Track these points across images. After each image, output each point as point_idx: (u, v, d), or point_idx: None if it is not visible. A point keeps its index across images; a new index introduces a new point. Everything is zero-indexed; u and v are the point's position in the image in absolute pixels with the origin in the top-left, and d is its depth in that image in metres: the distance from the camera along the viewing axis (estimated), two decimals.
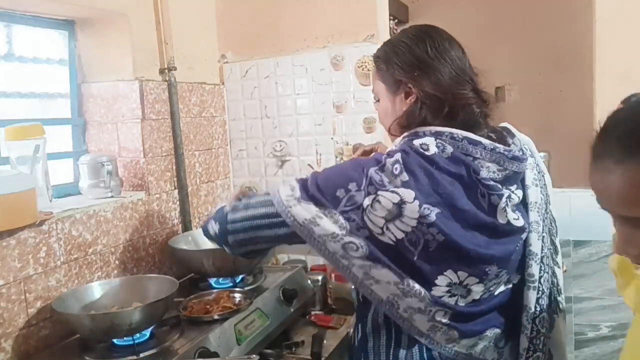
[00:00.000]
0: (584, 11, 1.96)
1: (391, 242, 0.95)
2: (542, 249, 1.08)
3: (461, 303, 1.00)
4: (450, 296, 0.99)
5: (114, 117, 1.82)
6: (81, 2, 1.63)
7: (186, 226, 1.98)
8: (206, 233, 1.18)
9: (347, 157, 2.06)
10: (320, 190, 0.99)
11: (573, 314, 1.91)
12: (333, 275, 1.87)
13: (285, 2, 2.11)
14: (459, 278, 0.98)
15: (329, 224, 0.97)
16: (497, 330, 1.05)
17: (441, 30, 1.11)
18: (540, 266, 1.07)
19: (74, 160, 1.81)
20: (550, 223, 1.15)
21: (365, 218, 0.95)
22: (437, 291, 0.98)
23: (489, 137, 1.05)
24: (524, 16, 3.46)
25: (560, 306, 1.14)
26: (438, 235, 0.94)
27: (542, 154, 2.02)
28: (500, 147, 1.02)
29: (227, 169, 2.28)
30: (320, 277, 1.86)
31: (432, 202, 0.94)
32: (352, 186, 0.97)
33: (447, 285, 0.98)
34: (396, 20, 3.52)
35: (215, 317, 1.47)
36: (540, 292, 1.07)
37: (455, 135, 1.00)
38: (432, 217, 0.94)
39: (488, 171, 1.00)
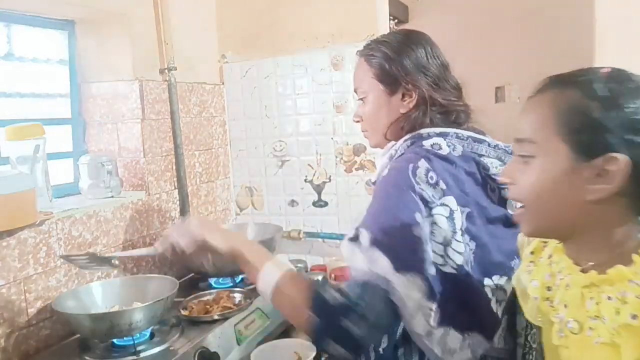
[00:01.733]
0: (584, 11, 1.96)
1: (454, 271, 0.94)
2: None
3: (501, 307, 1.02)
4: (498, 304, 1.01)
5: (114, 117, 1.82)
6: (81, 2, 1.64)
7: None
8: (325, 351, 0.98)
9: (347, 157, 2.07)
10: (399, 242, 0.91)
11: None
12: (333, 275, 1.87)
13: (285, 2, 2.11)
14: (494, 282, 1.00)
15: (415, 293, 0.91)
16: (505, 316, 1.08)
17: (431, 38, 1.15)
18: None
19: (74, 160, 1.81)
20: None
21: (430, 249, 0.93)
22: (493, 305, 0.99)
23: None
24: (524, 16, 3.46)
25: None
26: (471, 242, 0.96)
27: None
28: (500, 144, 1.06)
29: (227, 169, 2.28)
30: (320, 277, 1.86)
31: (462, 202, 0.96)
32: (419, 217, 0.92)
33: (492, 295, 0.99)
34: (396, 20, 3.52)
35: (215, 317, 1.47)
36: None
37: (460, 135, 1.03)
38: (465, 222, 0.96)
39: (492, 166, 1.03)
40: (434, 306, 0.93)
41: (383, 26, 2.01)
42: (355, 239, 0.95)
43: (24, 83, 1.68)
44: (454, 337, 0.96)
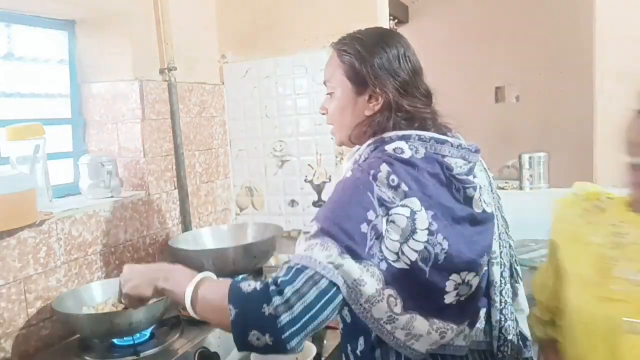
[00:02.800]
0: (584, 11, 1.96)
1: (406, 266, 0.95)
2: (497, 227, 1.11)
3: (462, 299, 1.03)
4: (458, 297, 1.01)
5: (114, 117, 1.82)
6: (81, 2, 1.64)
7: (186, 226, 1.98)
8: (249, 347, 0.89)
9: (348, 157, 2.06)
10: (348, 233, 0.90)
11: None
12: None
13: (285, 2, 2.11)
14: (461, 278, 1.00)
15: (371, 280, 0.90)
16: (484, 309, 1.09)
17: (406, 39, 1.13)
18: (499, 242, 1.11)
19: (74, 160, 1.81)
20: (498, 201, 1.18)
21: (383, 247, 0.93)
22: (448, 297, 1.00)
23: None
24: (524, 16, 3.46)
25: (520, 274, 1.21)
26: (444, 242, 0.96)
27: (542, 153, 2.04)
28: (464, 143, 1.06)
29: (227, 169, 2.28)
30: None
31: (426, 205, 0.96)
32: (371, 215, 0.92)
33: (454, 289, 1.00)
34: (396, 20, 3.53)
35: None
36: (502, 266, 1.10)
37: (423, 137, 1.03)
38: (434, 223, 0.95)
39: (456, 166, 1.03)
40: (394, 292, 0.93)
41: (383, 26, 2.01)
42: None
43: (24, 83, 1.68)
44: (421, 322, 0.96)
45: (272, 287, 0.87)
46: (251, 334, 0.87)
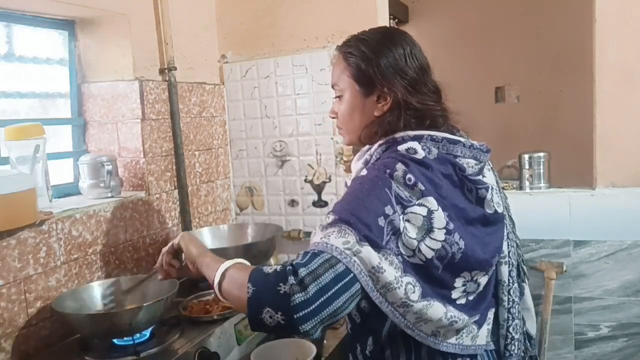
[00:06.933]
0: (583, 11, 1.96)
1: (421, 262, 0.95)
2: (506, 227, 1.11)
3: (470, 297, 1.03)
4: (465, 294, 1.02)
5: (114, 117, 1.82)
6: (81, 2, 1.63)
7: (186, 226, 1.98)
8: (261, 325, 0.89)
9: (347, 157, 2.07)
10: (365, 224, 0.90)
11: (573, 314, 1.91)
12: None
13: (285, 2, 2.11)
14: (471, 276, 1.01)
15: (389, 267, 0.90)
16: (493, 309, 1.10)
17: (412, 37, 1.13)
18: (508, 242, 1.12)
19: (74, 160, 1.81)
20: (505, 201, 1.19)
21: (400, 243, 0.93)
22: (455, 293, 1.00)
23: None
24: (524, 16, 3.46)
25: (526, 274, 1.22)
26: (460, 241, 0.96)
27: (542, 153, 2.04)
28: (476, 143, 1.06)
29: (227, 169, 2.28)
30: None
31: (442, 206, 0.96)
32: (388, 210, 0.92)
33: (462, 285, 1.01)
34: (396, 20, 3.53)
35: (215, 317, 1.47)
36: (510, 266, 1.11)
37: (435, 137, 1.02)
38: (451, 223, 0.95)
39: (468, 167, 1.03)
40: (413, 280, 0.93)
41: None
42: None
43: (24, 83, 1.68)
44: (438, 308, 0.96)
45: (289, 268, 0.88)
46: (265, 311, 0.87)
